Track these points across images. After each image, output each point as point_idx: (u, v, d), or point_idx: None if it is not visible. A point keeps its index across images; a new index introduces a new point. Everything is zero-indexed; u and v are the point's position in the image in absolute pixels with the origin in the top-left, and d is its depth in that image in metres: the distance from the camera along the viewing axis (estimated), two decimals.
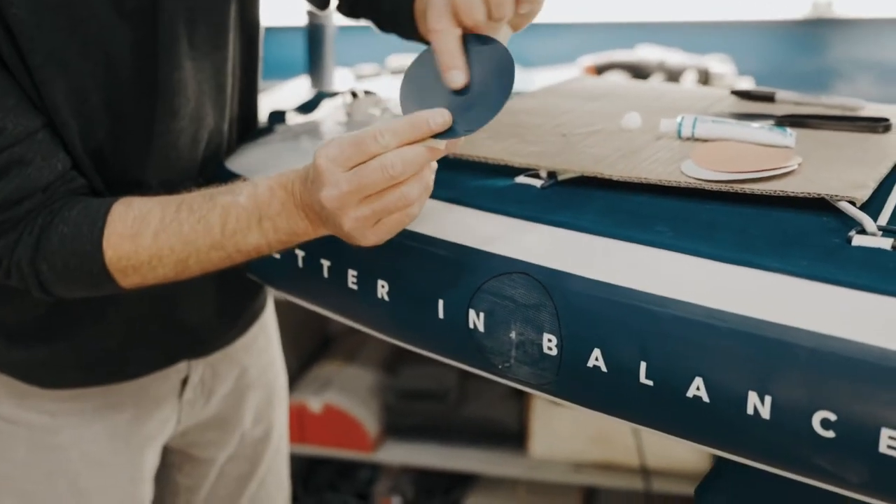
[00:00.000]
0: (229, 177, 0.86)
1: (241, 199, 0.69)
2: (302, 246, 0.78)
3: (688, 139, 0.75)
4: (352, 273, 0.73)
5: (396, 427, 1.78)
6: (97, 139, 0.77)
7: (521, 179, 0.71)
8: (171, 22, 0.77)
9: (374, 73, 2.00)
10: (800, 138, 0.73)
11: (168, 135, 0.80)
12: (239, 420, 1.00)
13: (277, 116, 0.96)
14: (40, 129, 0.73)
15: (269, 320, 1.06)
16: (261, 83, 0.95)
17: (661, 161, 0.70)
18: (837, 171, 0.66)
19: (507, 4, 0.65)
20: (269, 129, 0.95)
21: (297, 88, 2.00)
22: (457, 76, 0.65)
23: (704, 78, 1.63)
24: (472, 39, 0.66)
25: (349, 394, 1.80)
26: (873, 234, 0.56)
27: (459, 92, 0.65)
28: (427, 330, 0.69)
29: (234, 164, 0.88)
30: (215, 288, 0.90)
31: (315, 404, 1.78)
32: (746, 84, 1.76)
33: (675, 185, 0.65)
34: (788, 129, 0.73)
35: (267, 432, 1.04)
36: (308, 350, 1.95)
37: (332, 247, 0.73)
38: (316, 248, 0.77)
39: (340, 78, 1.99)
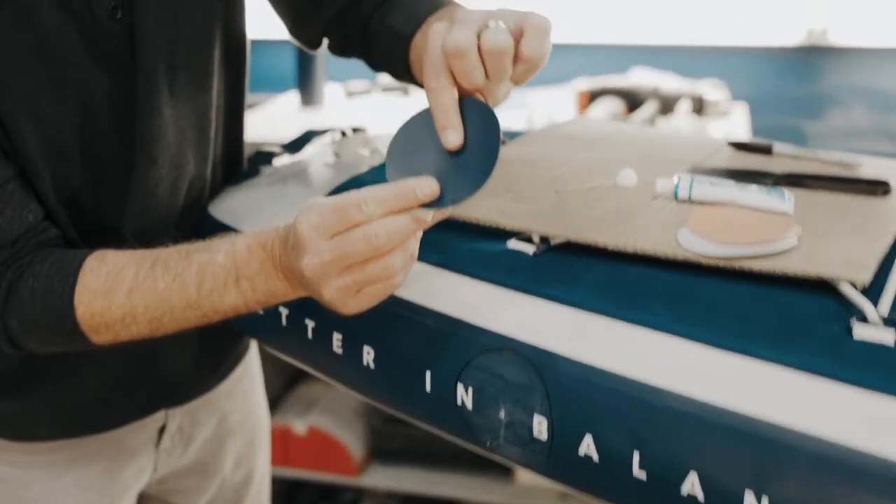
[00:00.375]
0: (213, 224, 0.83)
1: (219, 257, 0.66)
2: (285, 303, 0.76)
3: (684, 201, 0.73)
4: (337, 336, 0.71)
5: (382, 451, 1.76)
6: (72, 188, 0.74)
7: (512, 245, 0.68)
8: (151, 66, 0.74)
9: (364, 89, 1.97)
10: (798, 201, 0.71)
11: (147, 182, 0.77)
12: (219, 466, 0.97)
13: (264, 158, 0.93)
14: (11, 180, 0.70)
15: (252, 360, 1.03)
16: (249, 97, 0.92)
17: (658, 226, 0.68)
18: (838, 245, 0.64)
19: (505, 68, 0.62)
20: (254, 172, 0.92)
21: (286, 104, 1.97)
22: (452, 136, 0.62)
23: (699, 106, 1.62)
24: (462, 101, 0.63)
25: (334, 416, 1.78)
26: (875, 324, 0.55)
27: (448, 158, 0.63)
28: (414, 402, 0.66)
29: (219, 209, 0.86)
30: (196, 337, 0.87)
31: (299, 426, 1.76)
32: (740, 109, 1.75)
33: (671, 258, 0.64)
34: (787, 193, 0.72)
35: (248, 476, 1.01)
36: (292, 370, 1.92)
37: (317, 307, 0.71)
38: (300, 307, 0.74)
39: (330, 93, 1.96)
